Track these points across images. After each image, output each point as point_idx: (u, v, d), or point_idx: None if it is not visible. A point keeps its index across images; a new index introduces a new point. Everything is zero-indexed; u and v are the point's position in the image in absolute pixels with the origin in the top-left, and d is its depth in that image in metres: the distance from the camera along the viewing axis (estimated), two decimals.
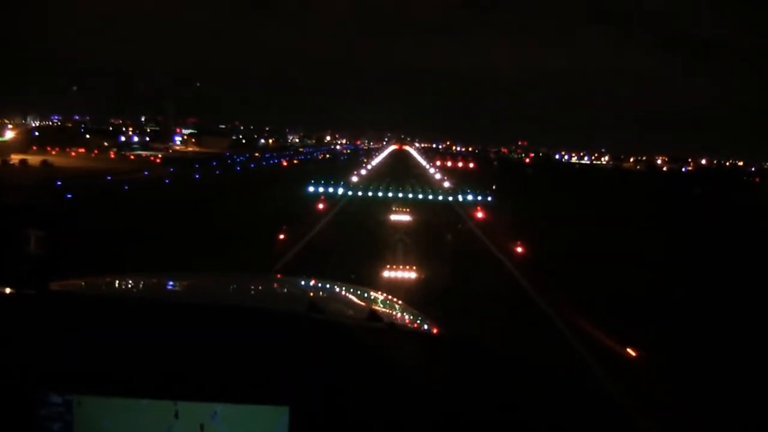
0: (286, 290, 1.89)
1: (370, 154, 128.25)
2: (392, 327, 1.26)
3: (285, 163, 78.09)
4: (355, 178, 52.78)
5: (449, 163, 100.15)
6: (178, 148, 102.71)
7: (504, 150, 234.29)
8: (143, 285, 1.88)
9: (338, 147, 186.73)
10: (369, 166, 79.17)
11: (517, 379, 0.99)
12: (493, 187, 40.92)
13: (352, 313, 1.53)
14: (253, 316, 1.16)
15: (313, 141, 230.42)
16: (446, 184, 54.44)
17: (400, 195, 38.09)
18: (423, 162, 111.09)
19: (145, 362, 0.88)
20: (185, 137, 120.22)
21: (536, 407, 0.93)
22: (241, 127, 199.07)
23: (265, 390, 0.85)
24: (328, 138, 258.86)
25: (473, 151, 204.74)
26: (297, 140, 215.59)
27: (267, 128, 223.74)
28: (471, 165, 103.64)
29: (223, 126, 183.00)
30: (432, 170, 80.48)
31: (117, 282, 1.73)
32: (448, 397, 0.87)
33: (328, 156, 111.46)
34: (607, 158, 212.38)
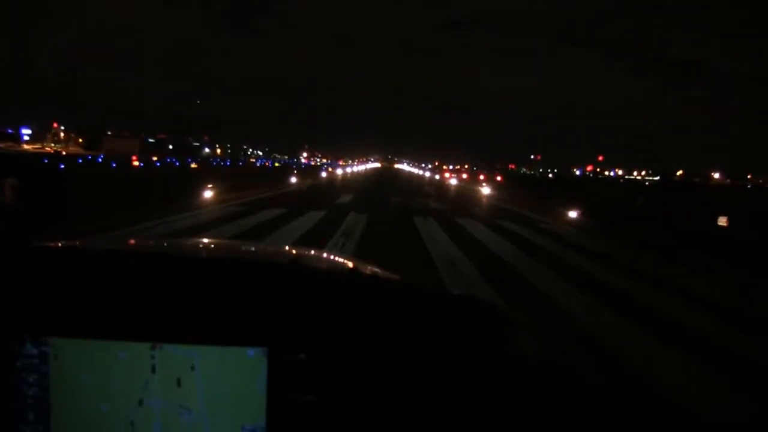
0: (268, 250, 1.94)
1: (346, 167, 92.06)
2: (376, 277, 1.26)
3: (135, 161, 45.07)
4: (201, 194, 11.91)
5: (465, 176, 64.31)
6: (27, 147, 71.07)
7: (512, 166, 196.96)
8: (125, 242, 1.94)
9: (304, 161, 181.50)
10: (324, 173, 40.76)
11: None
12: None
13: (335, 269, 1.54)
14: (233, 264, 1.16)
15: (287, 157, 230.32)
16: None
17: None
18: (426, 174, 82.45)
19: (122, 305, 0.90)
20: (62, 137, 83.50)
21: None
22: (216, 145, 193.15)
23: (242, 330, 0.86)
24: (305, 155, 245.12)
25: (470, 168, 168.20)
26: (260, 153, 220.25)
27: (245, 146, 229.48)
28: (498, 178, 66.37)
29: (198, 144, 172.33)
30: (454, 181, 43.18)
31: (98, 240, 1.75)
32: (429, 342, 0.90)
33: (276, 165, 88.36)
34: (643, 173, 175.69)
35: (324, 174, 42.55)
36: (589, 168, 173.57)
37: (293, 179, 28.67)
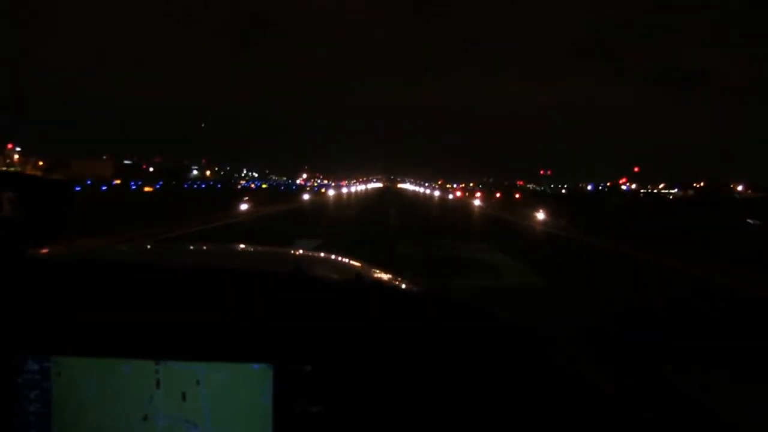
0: (270, 255, 1.89)
1: (341, 188, 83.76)
2: (380, 286, 1.25)
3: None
4: None
5: (479, 194, 55.51)
6: None
7: (520, 182, 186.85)
8: (124, 250, 1.91)
9: (300, 182, 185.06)
10: (307, 195, 30.91)
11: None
12: None
13: (338, 276, 1.50)
14: (236, 276, 1.14)
15: (285, 178, 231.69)
16: None
17: None
18: (434, 192, 75.68)
19: (125, 321, 0.88)
20: (17, 159, 74.88)
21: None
22: (216, 168, 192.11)
23: (247, 348, 0.85)
24: (305, 176, 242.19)
25: (476, 185, 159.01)
26: (255, 174, 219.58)
27: (245, 169, 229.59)
28: (517, 196, 59.02)
29: (196, 167, 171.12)
30: (477, 202, 33.84)
31: (97, 248, 1.76)
32: (435, 353, 0.88)
33: (263, 186, 74.04)
34: (660, 186, 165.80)
35: (306, 197, 32.62)
36: (623, 180, 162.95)
37: (243, 206, 18.82)
